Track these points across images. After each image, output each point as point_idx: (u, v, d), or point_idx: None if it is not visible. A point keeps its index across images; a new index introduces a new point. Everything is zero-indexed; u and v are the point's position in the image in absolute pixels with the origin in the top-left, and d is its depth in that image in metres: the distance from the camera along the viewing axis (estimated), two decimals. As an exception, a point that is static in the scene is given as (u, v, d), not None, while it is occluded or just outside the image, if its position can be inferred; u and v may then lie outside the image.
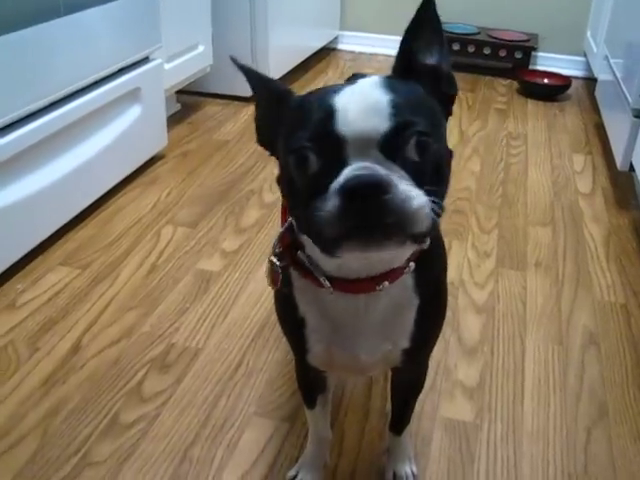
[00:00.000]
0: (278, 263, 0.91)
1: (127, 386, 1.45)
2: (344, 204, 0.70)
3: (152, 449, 1.31)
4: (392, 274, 0.86)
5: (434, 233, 0.75)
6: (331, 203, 0.70)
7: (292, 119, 0.79)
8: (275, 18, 2.99)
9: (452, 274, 1.84)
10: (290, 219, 0.89)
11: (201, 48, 2.77)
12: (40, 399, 1.41)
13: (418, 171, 0.73)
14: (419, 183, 0.72)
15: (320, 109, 0.75)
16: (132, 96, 2.20)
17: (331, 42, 3.85)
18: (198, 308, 1.69)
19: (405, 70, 0.83)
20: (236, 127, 2.79)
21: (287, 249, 0.91)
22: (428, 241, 0.79)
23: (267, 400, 1.42)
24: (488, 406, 1.43)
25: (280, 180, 0.83)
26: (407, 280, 0.91)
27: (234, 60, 0.88)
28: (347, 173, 0.71)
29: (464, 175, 2.43)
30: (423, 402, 1.42)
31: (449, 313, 1.67)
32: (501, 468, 1.29)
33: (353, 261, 0.84)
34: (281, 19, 3.06)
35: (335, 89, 0.77)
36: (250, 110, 2.97)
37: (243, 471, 1.27)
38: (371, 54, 3.83)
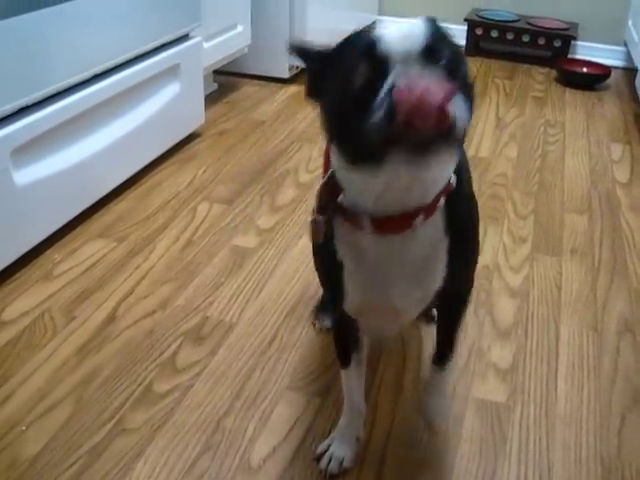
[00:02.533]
0: (321, 218, 0.94)
1: (161, 357, 1.46)
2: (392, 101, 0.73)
3: (185, 418, 1.32)
4: (426, 209, 0.90)
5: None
6: (383, 105, 0.74)
7: (338, 55, 0.84)
8: (314, 0, 2.98)
9: (487, 258, 1.84)
10: (330, 171, 0.93)
11: (240, 28, 2.77)
12: (75, 366, 1.43)
13: (454, 81, 0.77)
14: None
15: (362, 39, 0.80)
16: (171, 73, 2.21)
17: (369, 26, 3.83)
18: (233, 283, 1.70)
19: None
20: (272, 108, 2.79)
21: (329, 199, 0.94)
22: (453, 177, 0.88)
23: (300, 375, 1.43)
24: (521, 388, 1.42)
25: (325, 119, 0.86)
26: (438, 219, 0.94)
27: (292, 46, 0.93)
28: (393, 76, 0.75)
29: (501, 161, 2.41)
30: (456, 382, 1.42)
31: (483, 295, 1.68)
32: (533, 450, 1.29)
33: (392, 188, 0.85)
34: (320, 1, 3.05)
35: (368, 30, 0.81)
36: (288, 91, 2.98)
37: (275, 443, 1.27)
38: (409, 39, 3.80)
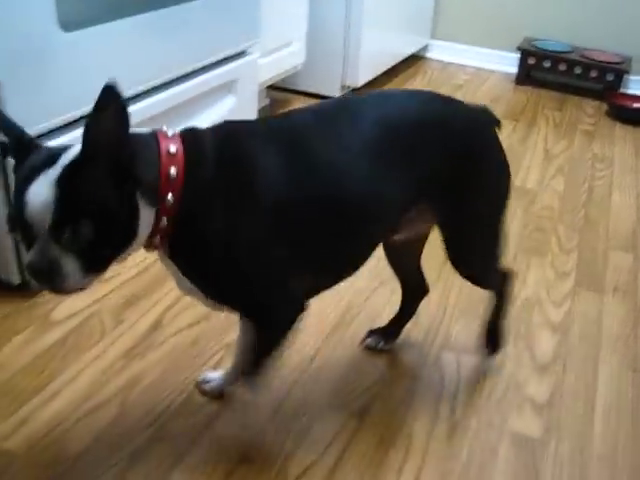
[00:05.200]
0: None
1: (204, 366, 1.49)
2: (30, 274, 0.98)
3: (223, 431, 1.35)
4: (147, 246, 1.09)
5: None
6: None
7: (15, 180, 0.99)
8: (370, 21, 3.02)
9: (529, 291, 1.85)
10: None
11: (295, 46, 2.82)
12: (121, 369, 1.47)
13: (80, 247, 0.95)
14: (83, 254, 0.96)
15: (18, 194, 0.95)
16: (228, 87, 2.25)
17: (420, 50, 3.86)
18: (276, 299, 1.72)
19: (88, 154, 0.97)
20: (322, 126, 2.82)
21: None
22: None
23: (339, 394, 1.45)
24: (557, 424, 1.43)
25: None
26: (165, 246, 1.09)
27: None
28: (29, 255, 0.96)
29: (547, 194, 2.42)
30: (492, 413, 1.43)
31: (523, 328, 1.68)
32: (566, 487, 1.30)
33: None
34: (375, 23, 3.09)
35: (34, 169, 0.95)
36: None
37: (311, 461, 1.29)
38: (460, 65, 3.83)
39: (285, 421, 1.38)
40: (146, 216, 1.02)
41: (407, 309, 1.59)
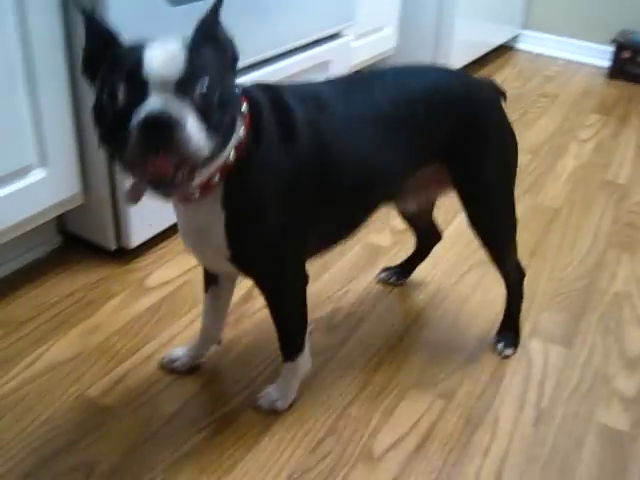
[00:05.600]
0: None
1: (293, 339, 1.52)
2: (140, 136, 0.90)
3: (313, 400, 1.38)
4: (201, 187, 1.05)
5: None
6: (132, 134, 0.90)
7: (112, 60, 0.95)
8: (463, 9, 2.99)
9: (619, 286, 1.82)
10: None
11: (387, 30, 2.82)
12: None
13: (206, 109, 0.93)
14: (206, 118, 0.93)
15: (132, 56, 0.93)
16: (321, 68, 2.27)
17: (511, 40, 3.80)
18: (365, 278, 1.75)
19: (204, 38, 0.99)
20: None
21: None
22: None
23: (426, 375, 1.46)
24: (646, 419, 1.41)
25: (94, 109, 0.97)
26: (216, 195, 1.08)
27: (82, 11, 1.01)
28: (145, 108, 0.89)
29: (639, 189, 2.37)
30: (579, 404, 1.42)
31: (612, 323, 1.66)
32: (654, 484, 1.28)
33: None
34: (468, 11, 3.06)
35: (147, 42, 0.94)
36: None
37: (398, 437, 1.31)
38: (550, 57, 3.75)
39: (372, 397, 1.39)
40: (238, 129, 1.05)
41: (420, 253, 1.73)
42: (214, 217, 1.11)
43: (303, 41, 2.14)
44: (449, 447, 1.30)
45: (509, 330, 1.57)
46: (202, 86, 0.93)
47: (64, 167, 1.58)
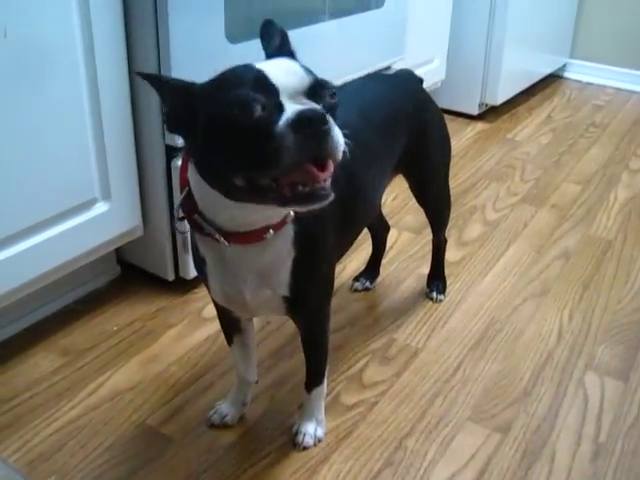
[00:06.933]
0: (183, 230, 1.08)
1: (349, 371, 1.54)
2: (297, 133, 0.82)
3: (369, 433, 1.39)
4: (276, 224, 1.02)
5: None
6: (285, 137, 0.82)
7: (214, 92, 0.90)
8: (511, 39, 3.00)
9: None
10: (187, 189, 1.02)
11: (436, 62, 2.85)
12: (270, 367, 1.54)
13: (333, 115, 0.88)
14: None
15: (249, 74, 0.89)
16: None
17: (559, 69, 3.80)
18: (419, 310, 1.76)
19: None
20: (460, 144, 2.83)
21: (188, 214, 1.04)
22: None
23: (482, 408, 1.46)
24: None
25: (203, 148, 0.91)
26: (287, 232, 1.05)
27: (139, 73, 0.98)
28: (290, 111, 0.84)
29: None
30: (638, 439, 1.41)
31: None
32: None
33: (252, 211, 0.96)
34: (516, 41, 3.07)
35: (250, 65, 0.91)
36: (476, 128, 3.02)
37: (453, 471, 1.31)
38: (600, 85, 3.73)
39: (428, 430, 1.40)
40: None
41: (378, 246, 1.85)
42: (282, 256, 1.07)
43: (356, 74, 2.17)
44: (506, 480, 1.30)
45: (439, 280, 1.82)
46: (330, 93, 0.91)
47: (126, 200, 1.63)
